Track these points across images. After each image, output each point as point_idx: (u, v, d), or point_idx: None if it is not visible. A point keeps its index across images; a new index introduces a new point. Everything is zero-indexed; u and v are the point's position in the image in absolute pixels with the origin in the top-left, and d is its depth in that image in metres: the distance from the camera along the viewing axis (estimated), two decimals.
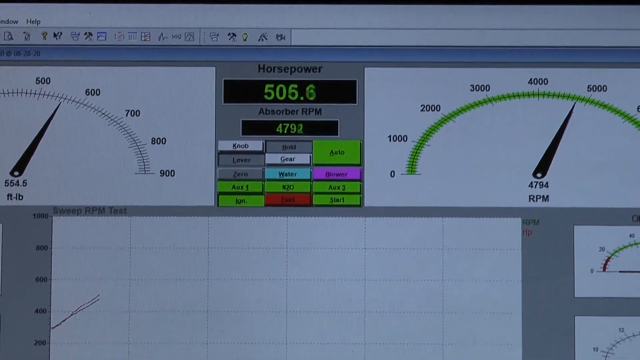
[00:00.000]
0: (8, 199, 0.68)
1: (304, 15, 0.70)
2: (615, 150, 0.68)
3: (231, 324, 0.67)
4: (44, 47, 0.70)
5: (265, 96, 0.69)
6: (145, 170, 0.69)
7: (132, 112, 0.69)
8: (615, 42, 0.69)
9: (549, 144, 0.68)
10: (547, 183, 0.68)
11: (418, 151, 0.69)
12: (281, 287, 0.68)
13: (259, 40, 0.70)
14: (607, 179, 0.68)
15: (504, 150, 0.68)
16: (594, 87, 0.69)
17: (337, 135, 0.69)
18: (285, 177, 0.69)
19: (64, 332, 0.67)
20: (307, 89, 0.69)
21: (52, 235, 0.68)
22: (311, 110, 0.69)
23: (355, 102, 0.69)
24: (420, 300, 0.67)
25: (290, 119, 0.69)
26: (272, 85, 0.69)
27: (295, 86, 0.69)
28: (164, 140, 0.69)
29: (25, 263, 0.68)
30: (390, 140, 0.69)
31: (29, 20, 0.70)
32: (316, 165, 0.69)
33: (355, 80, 0.69)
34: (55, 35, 0.70)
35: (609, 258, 0.67)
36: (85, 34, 0.70)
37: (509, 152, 0.68)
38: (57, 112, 0.69)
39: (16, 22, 0.70)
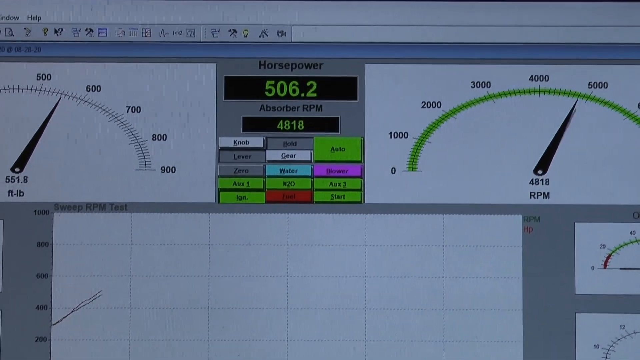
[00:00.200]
0: (9, 195, 0.68)
1: (304, 12, 0.69)
2: (616, 147, 0.68)
3: (232, 321, 0.67)
4: (45, 43, 0.70)
5: (266, 93, 0.69)
6: (146, 167, 0.69)
7: (133, 109, 0.69)
8: (616, 39, 0.69)
9: (549, 140, 0.68)
10: (547, 180, 0.68)
11: (419, 148, 0.69)
12: (282, 283, 0.68)
13: (259, 36, 0.70)
14: (607, 175, 0.68)
15: (504, 147, 0.68)
16: (595, 84, 0.69)
17: (338, 131, 0.69)
18: (286, 174, 0.69)
19: (64, 329, 0.67)
20: (308, 85, 0.69)
21: (53, 231, 0.68)
22: (312, 106, 0.69)
23: (356, 99, 0.69)
24: (421, 297, 0.67)
25: (291, 116, 0.69)
26: (273, 82, 0.69)
27: (296, 83, 0.69)
28: (164, 136, 0.69)
29: (26, 259, 0.68)
30: (391, 137, 0.69)
31: (29, 16, 0.70)
32: (317, 162, 0.69)
33: (356, 77, 0.69)
34: (56, 31, 0.70)
35: (610, 255, 0.67)
36: (86, 30, 0.70)
37: (509, 149, 0.68)
38: (58, 108, 0.69)
39: (17, 18, 0.70)
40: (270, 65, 0.69)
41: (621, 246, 0.67)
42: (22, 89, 0.69)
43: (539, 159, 0.68)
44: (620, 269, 0.67)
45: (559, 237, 0.68)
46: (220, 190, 0.68)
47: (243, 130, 0.69)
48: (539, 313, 0.67)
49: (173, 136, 0.69)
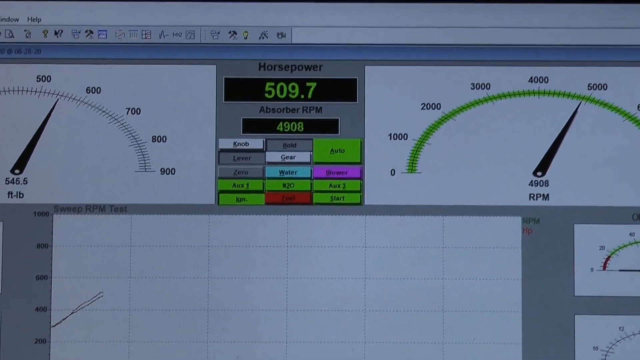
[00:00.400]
0: (9, 197, 0.68)
1: (304, 13, 0.70)
2: (615, 148, 0.68)
3: (231, 322, 0.67)
4: (45, 45, 0.70)
5: (266, 94, 0.69)
6: (145, 169, 0.69)
7: (133, 110, 0.69)
8: (615, 41, 0.69)
9: (549, 142, 0.68)
10: (547, 181, 0.68)
11: (418, 150, 0.69)
12: (281, 285, 0.68)
13: (259, 38, 0.70)
14: (607, 177, 0.68)
15: (504, 149, 0.68)
16: (595, 86, 0.69)
17: (338, 133, 0.69)
18: (286, 176, 0.69)
19: (64, 331, 0.67)
20: (308, 87, 0.69)
21: (52, 233, 0.68)
22: (312, 108, 0.69)
23: (355, 101, 0.69)
24: (420, 298, 0.67)
25: (290, 117, 0.69)
26: (272, 84, 0.69)
27: (296, 84, 0.69)
28: (164, 138, 0.69)
29: (26, 261, 0.68)
30: (390, 139, 0.69)
31: (29, 18, 0.70)
32: (316, 163, 0.69)
33: (356, 79, 0.69)
34: (56, 33, 0.70)
35: (609, 257, 0.67)
36: (86, 31, 0.70)
37: (509, 151, 0.68)
38: (58, 110, 0.69)
39: (17, 20, 0.70)
40: (270, 67, 0.70)
41: (620, 248, 0.67)
42: (22, 90, 0.69)
43: (539, 160, 0.68)
44: (620, 270, 0.67)
45: (559, 239, 0.68)
46: (219, 192, 0.69)
47: (243, 132, 0.69)
48: (538, 314, 0.67)
49: (173, 138, 0.69)
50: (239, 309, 0.68)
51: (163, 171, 0.69)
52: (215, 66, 0.69)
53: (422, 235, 0.68)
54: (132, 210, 0.68)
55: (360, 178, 0.69)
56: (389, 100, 0.69)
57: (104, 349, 0.68)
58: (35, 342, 0.67)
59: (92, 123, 0.69)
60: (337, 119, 0.69)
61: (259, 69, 0.70)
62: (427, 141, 0.69)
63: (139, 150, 0.69)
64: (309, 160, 0.69)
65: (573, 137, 0.68)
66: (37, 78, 0.69)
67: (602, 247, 0.67)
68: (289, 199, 0.68)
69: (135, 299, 0.68)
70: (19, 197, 0.68)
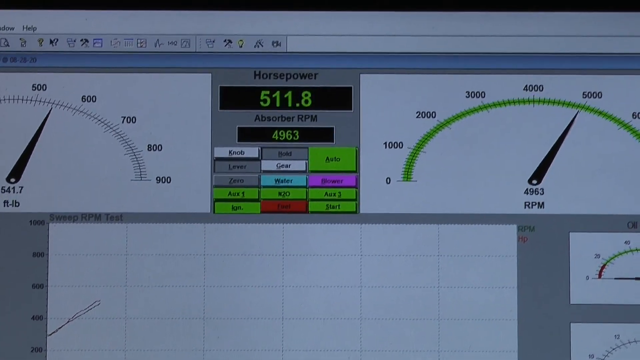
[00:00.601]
0: (4, 205, 0.68)
1: (299, 22, 0.70)
2: (610, 156, 0.68)
3: (227, 331, 0.68)
4: (40, 54, 0.70)
5: (261, 103, 0.69)
6: (141, 177, 0.69)
7: (128, 119, 0.69)
8: (610, 49, 0.69)
9: (544, 150, 0.68)
10: (542, 190, 0.68)
11: (414, 158, 0.69)
12: (277, 294, 0.68)
13: (254, 46, 0.70)
14: (602, 185, 0.68)
15: (499, 157, 0.68)
16: (589, 94, 0.69)
17: (333, 142, 0.69)
18: (281, 184, 0.69)
19: (60, 339, 0.67)
20: (303, 95, 0.69)
21: (48, 241, 0.68)
22: (307, 117, 0.69)
23: (350, 109, 0.69)
24: (416, 307, 0.67)
25: (286, 126, 0.69)
26: (268, 92, 0.69)
27: (291, 93, 0.69)
28: (160, 147, 0.69)
29: (22, 270, 0.68)
30: (385, 147, 0.69)
31: (25, 26, 0.70)
32: (312, 172, 0.69)
33: (351, 87, 0.69)
34: (51, 41, 0.70)
35: (605, 265, 0.67)
36: (82, 40, 0.70)
37: (504, 159, 0.68)
38: (53, 118, 0.69)
39: (12, 28, 0.70)
40: (265, 76, 0.70)
41: (616, 256, 0.67)
42: (18, 99, 0.69)
43: (534, 168, 0.68)
44: (615, 278, 0.67)
45: (554, 247, 0.68)
46: (215, 201, 0.69)
47: (238, 141, 0.69)
48: (534, 322, 0.67)
49: (168, 146, 0.69)
50: (235, 317, 0.68)
51: (159, 180, 0.69)
52: (210, 75, 0.69)
53: (417, 243, 0.68)
54: (127, 219, 0.68)
55: (356, 186, 0.69)
56: (384, 109, 0.69)
57: (101, 357, 0.68)
58: (32, 351, 0.67)
59: (87, 132, 0.69)
60: (332, 128, 0.69)
61: (254, 78, 0.70)
62: (422, 149, 0.69)
63: (135, 159, 0.69)
64: (304, 169, 0.69)
65: (568, 145, 0.68)
66: (33, 87, 0.69)
67: (598, 255, 0.67)
68: (285, 207, 0.69)
69: (132, 308, 0.68)
70: (15, 205, 0.68)
